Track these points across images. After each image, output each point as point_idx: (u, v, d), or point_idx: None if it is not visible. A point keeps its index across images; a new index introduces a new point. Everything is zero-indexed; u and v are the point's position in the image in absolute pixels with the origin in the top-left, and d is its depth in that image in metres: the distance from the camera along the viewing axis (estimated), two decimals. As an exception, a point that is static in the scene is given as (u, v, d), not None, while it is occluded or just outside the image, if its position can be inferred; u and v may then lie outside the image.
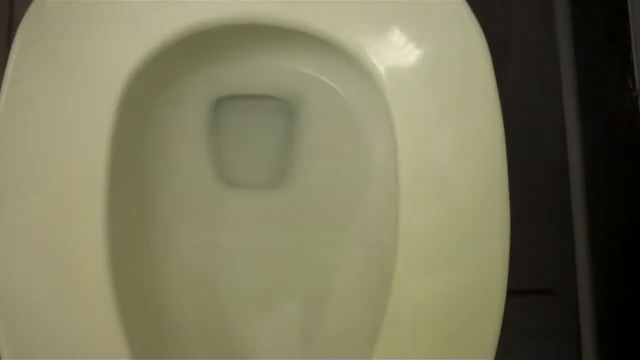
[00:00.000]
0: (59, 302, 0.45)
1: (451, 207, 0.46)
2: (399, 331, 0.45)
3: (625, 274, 0.72)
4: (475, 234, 0.46)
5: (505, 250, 0.45)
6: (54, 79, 0.47)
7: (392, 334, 0.45)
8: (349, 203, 0.57)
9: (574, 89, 0.80)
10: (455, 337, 0.45)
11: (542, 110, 0.80)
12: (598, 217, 0.78)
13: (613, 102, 0.72)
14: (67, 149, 0.46)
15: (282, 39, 0.53)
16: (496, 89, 0.46)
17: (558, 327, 0.79)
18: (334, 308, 0.56)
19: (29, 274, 0.45)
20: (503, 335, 0.77)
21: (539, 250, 0.79)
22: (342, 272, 0.56)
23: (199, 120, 0.58)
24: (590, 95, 0.78)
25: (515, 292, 0.78)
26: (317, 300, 0.57)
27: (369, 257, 0.55)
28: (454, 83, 0.46)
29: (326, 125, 0.58)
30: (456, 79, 0.46)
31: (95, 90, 0.47)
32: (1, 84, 0.46)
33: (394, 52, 0.47)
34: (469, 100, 0.46)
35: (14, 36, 0.47)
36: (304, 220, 0.58)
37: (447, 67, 0.47)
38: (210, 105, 0.59)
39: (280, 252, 0.58)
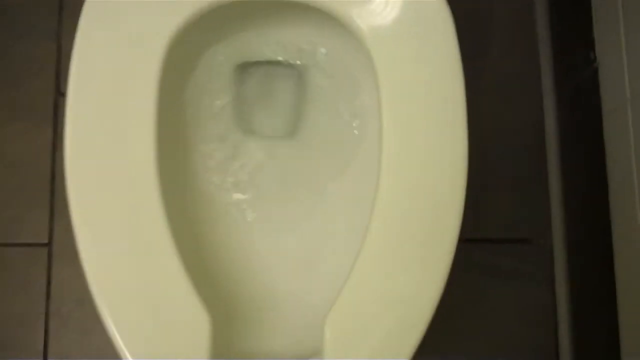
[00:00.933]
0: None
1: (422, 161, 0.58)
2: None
3: (593, 224, 0.81)
4: (436, 186, 0.57)
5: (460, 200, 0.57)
6: (112, 42, 0.58)
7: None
8: (346, 149, 0.69)
9: (549, 60, 0.91)
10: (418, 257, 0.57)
11: (520, 79, 0.92)
12: (570, 175, 0.87)
13: (579, 72, 0.83)
14: (124, 98, 0.57)
15: (291, 13, 0.66)
16: (457, 46, 0.58)
17: (534, 272, 0.88)
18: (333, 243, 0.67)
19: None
20: (483, 279, 0.88)
21: (518, 204, 0.89)
22: (336, 206, 0.68)
23: (225, 81, 0.70)
24: (562, 66, 0.88)
25: (496, 241, 0.89)
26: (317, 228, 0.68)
27: (361, 199, 0.63)
28: (422, 44, 0.59)
29: (328, 83, 0.70)
30: (423, 40, 0.59)
31: (142, 57, 0.58)
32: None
33: (374, 17, 0.59)
34: (432, 54, 0.58)
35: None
36: (308, 165, 0.70)
37: (416, 29, 0.59)
38: (235, 68, 0.71)
39: (290, 188, 0.70)
